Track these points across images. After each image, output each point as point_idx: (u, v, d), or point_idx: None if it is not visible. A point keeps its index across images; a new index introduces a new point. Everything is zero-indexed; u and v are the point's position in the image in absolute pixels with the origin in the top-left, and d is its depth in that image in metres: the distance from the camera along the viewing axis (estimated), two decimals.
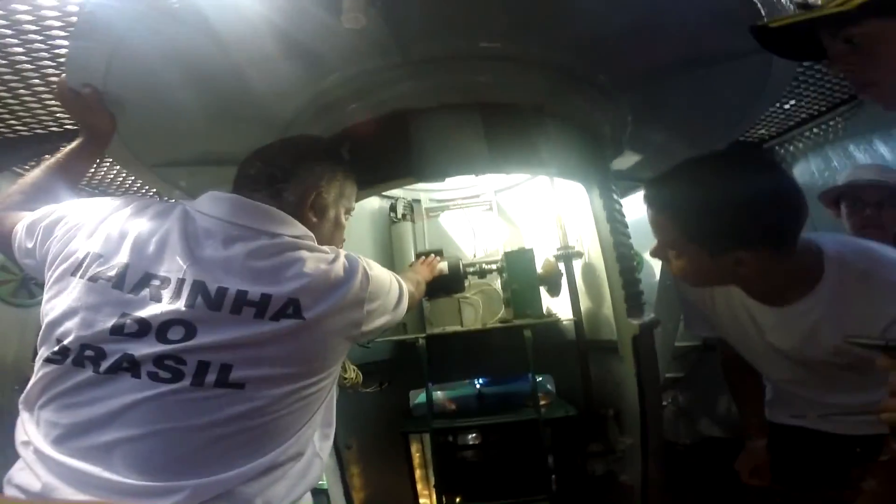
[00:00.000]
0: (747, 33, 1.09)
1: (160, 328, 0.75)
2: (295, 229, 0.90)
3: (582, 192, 1.89)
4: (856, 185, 1.58)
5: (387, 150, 1.32)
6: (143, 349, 0.73)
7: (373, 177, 1.33)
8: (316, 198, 0.96)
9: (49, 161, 1.08)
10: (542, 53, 1.25)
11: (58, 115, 1.66)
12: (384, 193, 2.22)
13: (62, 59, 1.33)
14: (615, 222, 1.51)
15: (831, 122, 2.42)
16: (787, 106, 2.26)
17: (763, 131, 2.59)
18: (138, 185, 2.24)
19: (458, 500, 1.95)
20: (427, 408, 1.83)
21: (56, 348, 0.75)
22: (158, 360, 0.73)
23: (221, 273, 0.80)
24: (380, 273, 0.97)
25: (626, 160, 1.91)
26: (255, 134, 1.19)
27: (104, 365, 0.73)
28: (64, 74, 1.10)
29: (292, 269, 0.82)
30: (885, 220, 1.52)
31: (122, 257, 0.80)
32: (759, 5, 1.02)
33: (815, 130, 2.51)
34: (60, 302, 0.78)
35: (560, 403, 1.96)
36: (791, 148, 2.68)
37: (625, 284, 1.49)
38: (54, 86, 1.21)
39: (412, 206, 2.25)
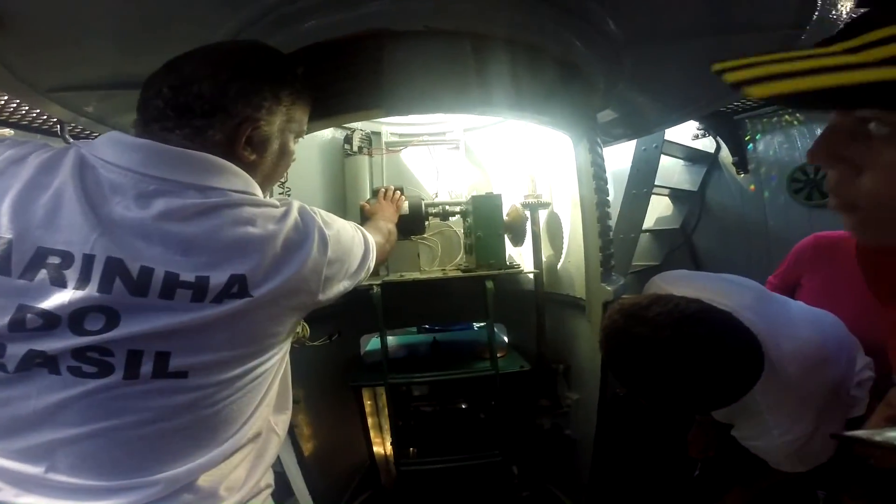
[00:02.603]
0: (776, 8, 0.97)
1: (73, 318, 0.61)
2: (232, 179, 0.71)
3: (554, 140, 1.78)
4: None
5: (352, 76, 1.11)
6: (56, 343, 0.60)
7: (331, 107, 1.12)
8: (253, 132, 0.75)
9: None
10: None
11: None
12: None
13: None
14: (599, 179, 1.42)
15: None
16: None
17: (737, 104, 2.57)
18: (34, 114, 1.80)
19: (412, 450, 1.95)
20: (383, 361, 1.74)
21: None
22: (78, 353, 0.61)
23: (141, 244, 0.63)
24: (340, 229, 0.82)
25: (602, 116, 1.80)
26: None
27: (10, 364, 0.60)
28: None
29: (232, 233, 0.67)
30: None
31: (2, 230, 0.61)
32: None
33: (790, 110, 2.54)
34: None
35: (514, 356, 1.95)
36: (759, 125, 2.71)
37: (602, 246, 1.43)
38: None
39: (370, 138, 2.01)
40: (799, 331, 1.10)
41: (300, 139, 0.88)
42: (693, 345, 0.91)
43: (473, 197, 1.80)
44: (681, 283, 1.24)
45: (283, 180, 1.53)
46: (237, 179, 0.72)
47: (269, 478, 0.83)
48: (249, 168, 0.76)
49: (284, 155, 0.84)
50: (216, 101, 0.71)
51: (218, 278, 0.64)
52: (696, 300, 0.99)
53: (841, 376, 1.09)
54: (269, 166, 0.81)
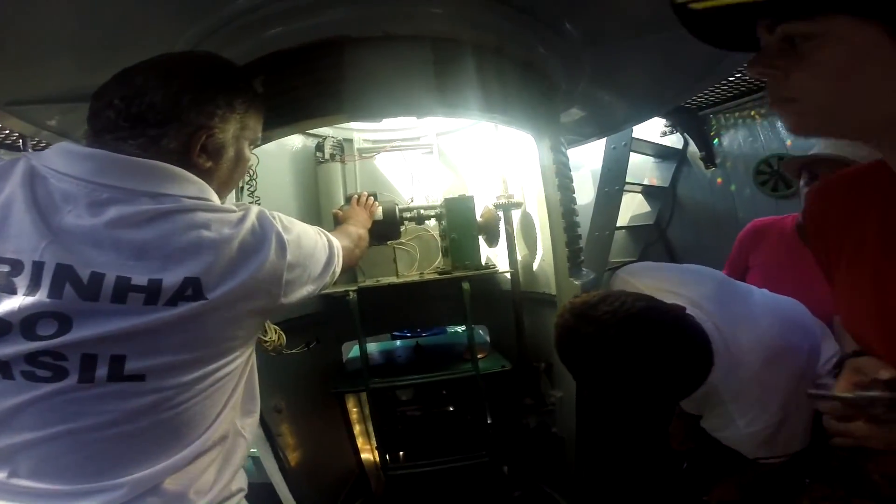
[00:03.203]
0: None
1: (25, 324, 0.61)
2: (186, 186, 0.72)
3: (525, 141, 1.81)
4: (816, 158, 1.54)
5: (314, 82, 1.13)
6: (8, 349, 0.61)
7: (295, 113, 1.14)
8: (207, 140, 0.76)
9: None
10: None
11: None
12: (310, 131, 1.98)
13: None
14: (563, 177, 1.45)
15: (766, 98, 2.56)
16: (731, 78, 2.30)
17: (701, 99, 2.65)
18: None
19: (400, 455, 1.95)
20: (363, 366, 1.74)
21: None
22: (31, 357, 0.61)
23: (91, 250, 0.64)
24: (301, 234, 0.83)
25: (568, 115, 1.85)
26: None
27: None
28: None
29: (185, 238, 0.67)
30: None
31: None
32: None
33: (753, 104, 2.65)
34: None
35: (495, 356, 1.97)
36: (723, 119, 2.80)
37: (568, 242, 1.46)
38: None
39: (342, 145, 2.03)
40: (759, 320, 1.11)
41: (256, 146, 0.89)
42: (638, 343, 0.92)
43: (446, 199, 1.83)
44: (643, 275, 1.27)
45: (252, 189, 1.54)
46: (191, 186, 0.73)
47: (242, 482, 0.82)
48: (205, 175, 0.77)
49: (240, 161, 0.85)
50: (169, 110, 0.72)
51: (171, 280, 0.65)
52: (644, 297, 1.00)
53: (804, 365, 1.09)
54: (225, 173, 0.82)
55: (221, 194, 0.82)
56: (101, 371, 0.62)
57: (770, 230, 1.61)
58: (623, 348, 0.92)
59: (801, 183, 1.55)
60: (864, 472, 0.90)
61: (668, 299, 1.03)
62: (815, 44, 0.52)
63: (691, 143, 2.96)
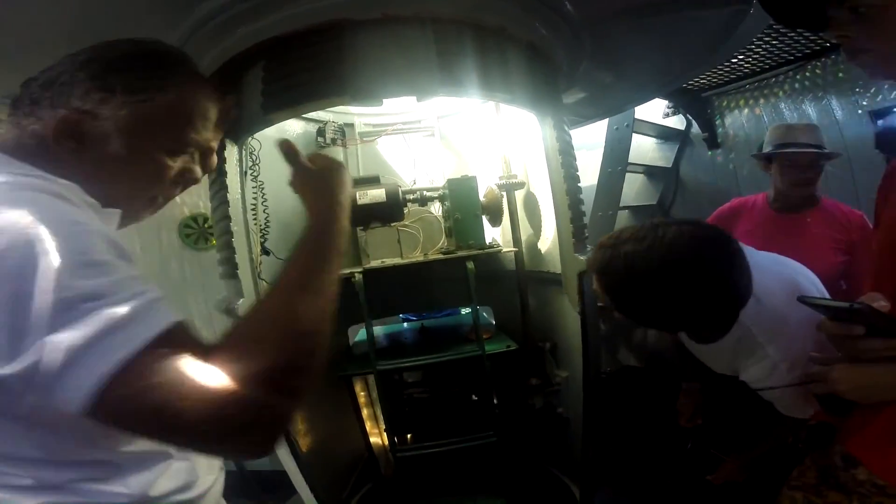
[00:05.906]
0: None
1: None
2: None
3: (527, 121, 1.81)
4: (790, 148, 1.72)
5: (315, 66, 1.12)
6: None
7: (297, 97, 1.13)
8: (77, 123, 0.65)
9: None
10: None
11: None
12: (308, 116, 1.98)
13: None
14: (566, 155, 1.45)
15: (771, 80, 2.58)
16: (733, 60, 2.30)
17: (704, 81, 2.63)
18: None
19: (408, 437, 1.98)
20: (370, 347, 1.77)
21: None
22: None
23: None
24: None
25: (570, 96, 1.85)
26: None
27: None
28: None
29: None
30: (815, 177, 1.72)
31: None
32: None
33: (755, 86, 2.64)
34: None
35: (500, 337, 1.98)
36: (725, 101, 2.78)
37: (573, 218, 1.46)
38: None
39: (343, 130, 2.03)
40: (771, 268, 1.13)
41: (208, 158, 0.77)
42: (681, 249, 0.95)
43: (449, 180, 1.84)
44: None
45: (255, 174, 1.54)
46: None
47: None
48: (72, 162, 0.66)
49: (138, 163, 0.70)
50: (44, 89, 0.67)
51: None
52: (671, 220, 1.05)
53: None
54: (109, 165, 0.68)
55: (114, 188, 0.69)
56: None
57: (745, 205, 1.91)
58: (668, 256, 0.94)
59: (775, 169, 1.78)
60: (831, 456, 0.91)
61: None
62: (876, 10, 0.70)
63: (694, 124, 2.95)
